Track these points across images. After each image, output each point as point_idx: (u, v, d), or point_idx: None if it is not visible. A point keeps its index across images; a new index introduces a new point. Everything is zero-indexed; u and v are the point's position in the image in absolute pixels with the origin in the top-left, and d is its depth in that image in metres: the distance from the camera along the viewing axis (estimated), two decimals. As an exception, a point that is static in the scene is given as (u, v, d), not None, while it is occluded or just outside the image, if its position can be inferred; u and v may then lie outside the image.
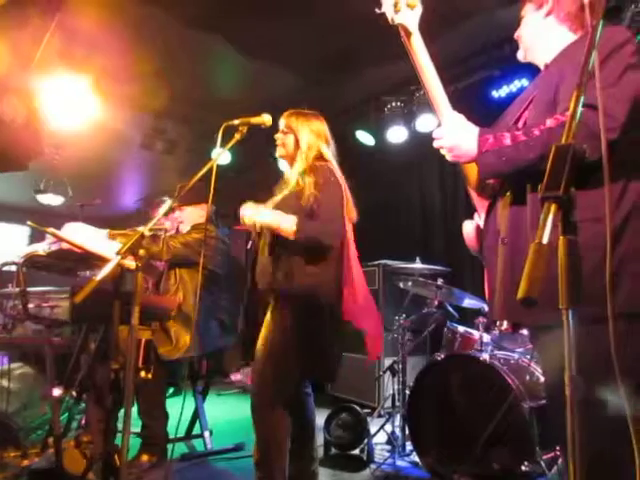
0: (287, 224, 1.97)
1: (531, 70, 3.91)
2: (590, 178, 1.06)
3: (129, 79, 4.55)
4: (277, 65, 4.42)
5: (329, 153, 2.22)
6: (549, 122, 1.19)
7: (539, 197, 0.81)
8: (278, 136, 2.25)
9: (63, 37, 3.91)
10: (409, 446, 3.01)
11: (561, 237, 0.81)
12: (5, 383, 2.68)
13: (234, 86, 4.86)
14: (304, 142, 2.17)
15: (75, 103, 4.38)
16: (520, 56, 1.56)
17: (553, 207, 0.78)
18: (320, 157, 2.18)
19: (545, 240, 0.75)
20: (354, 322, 2.16)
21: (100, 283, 1.50)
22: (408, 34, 1.32)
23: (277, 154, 2.29)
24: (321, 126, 2.24)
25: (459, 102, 1.39)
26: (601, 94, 1.00)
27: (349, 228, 2.18)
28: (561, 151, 0.84)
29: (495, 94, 4.11)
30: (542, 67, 1.49)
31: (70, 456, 2.19)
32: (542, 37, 1.46)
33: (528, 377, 2.57)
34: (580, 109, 0.90)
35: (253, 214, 2.00)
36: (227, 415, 4.24)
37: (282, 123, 2.24)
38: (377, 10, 1.31)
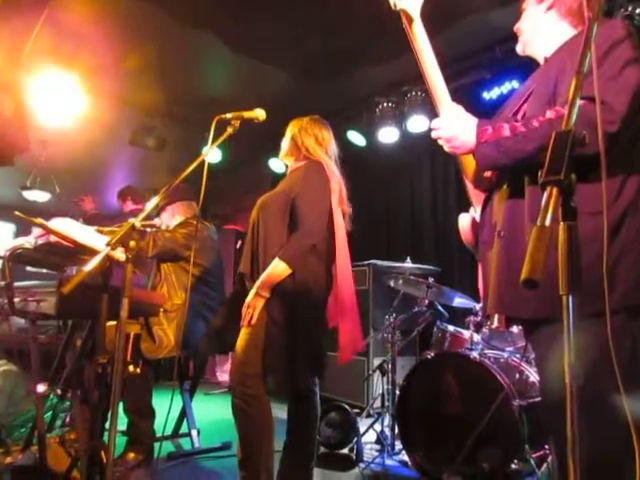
0: (278, 272, 1.99)
1: (522, 72, 3.92)
2: (590, 171, 1.06)
3: (118, 75, 4.51)
4: (269, 64, 4.40)
5: (321, 151, 2.27)
6: (549, 114, 1.18)
7: (540, 182, 0.81)
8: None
9: (52, 32, 3.86)
10: (398, 445, 2.99)
11: (561, 223, 0.81)
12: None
13: (225, 84, 4.83)
14: (299, 143, 2.28)
15: (63, 99, 4.32)
16: (519, 49, 1.56)
17: (555, 191, 0.78)
18: (312, 155, 2.25)
19: (547, 223, 0.74)
20: (331, 321, 2.16)
21: (89, 274, 1.46)
22: (410, 20, 1.31)
23: (280, 156, 2.43)
24: (318, 129, 2.32)
25: (450, 103, 1.38)
26: (600, 87, 1.00)
27: (340, 220, 2.17)
28: (561, 137, 0.83)
29: (486, 96, 4.13)
30: (541, 61, 1.49)
31: (54, 454, 2.14)
32: (542, 31, 1.46)
33: (518, 376, 2.57)
34: (579, 100, 0.90)
35: (250, 302, 2.02)
36: (214, 414, 4.20)
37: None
38: None
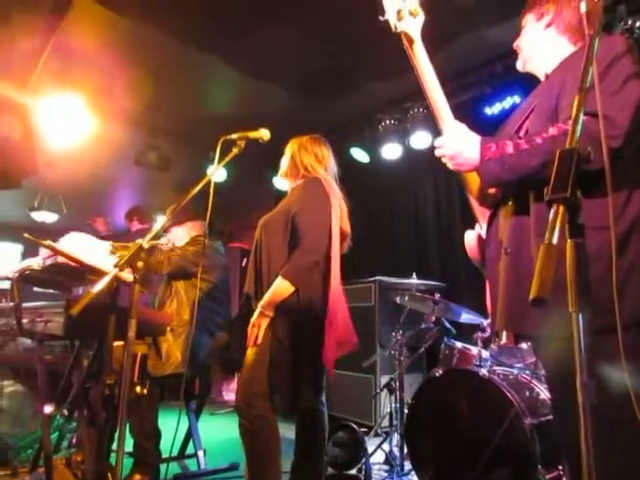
0: (281, 290, 2.01)
1: (523, 87, 3.93)
2: (594, 186, 1.06)
3: (123, 96, 4.57)
4: (272, 82, 4.46)
5: (320, 168, 2.29)
6: (552, 130, 1.19)
7: (546, 199, 0.81)
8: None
9: (60, 56, 3.93)
10: (407, 465, 2.94)
11: (568, 240, 0.81)
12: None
13: (228, 103, 4.89)
14: (298, 162, 2.31)
15: (70, 120, 4.38)
16: (519, 66, 1.57)
17: (561, 209, 0.78)
18: (311, 173, 2.28)
19: (555, 241, 0.74)
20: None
21: (97, 296, 1.47)
22: (410, 42, 1.34)
23: (279, 175, 2.45)
24: (318, 148, 2.35)
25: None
26: (602, 102, 1.01)
27: (337, 241, 2.17)
28: (566, 155, 0.84)
29: (488, 111, 4.15)
30: (542, 77, 1.50)
31: (61, 475, 2.13)
32: (542, 48, 1.47)
33: (528, 393, 2.54)
34: (582, 116, 0.90)
35: (255, 322, 2.03)
36: (221, 434, 4.16)
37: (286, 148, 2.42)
38: (380, 17, 1.32)
